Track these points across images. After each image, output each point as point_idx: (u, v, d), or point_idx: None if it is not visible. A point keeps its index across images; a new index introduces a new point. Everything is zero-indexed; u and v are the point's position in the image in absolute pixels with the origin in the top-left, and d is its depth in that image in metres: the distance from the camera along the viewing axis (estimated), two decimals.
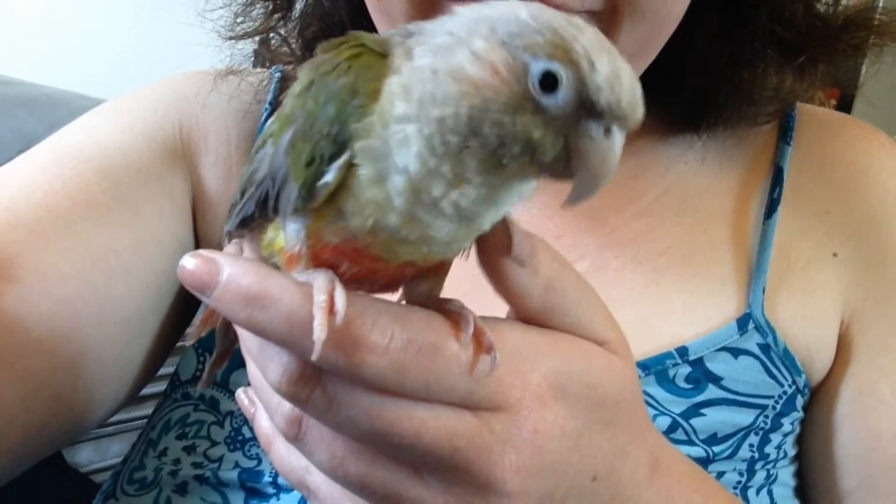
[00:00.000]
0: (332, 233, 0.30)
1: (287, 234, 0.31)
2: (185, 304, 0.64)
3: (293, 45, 0.66)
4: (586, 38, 0.28)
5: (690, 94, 0.59)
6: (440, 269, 0.33)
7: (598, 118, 0.28)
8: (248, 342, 0.31)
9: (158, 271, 0.59)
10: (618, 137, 0.29)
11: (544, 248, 0.32)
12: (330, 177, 0.29)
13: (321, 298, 0.28)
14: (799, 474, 0.59)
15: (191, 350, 0.60)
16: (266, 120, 0.65)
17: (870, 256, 0.58)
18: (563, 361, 0.32)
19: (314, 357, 0.27)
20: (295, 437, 0.31)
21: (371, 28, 0.53)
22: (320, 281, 0.28)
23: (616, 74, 0.28)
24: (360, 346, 0.28)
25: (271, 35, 0.66)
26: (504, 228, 0.31)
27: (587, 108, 0.28)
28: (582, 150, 0.28)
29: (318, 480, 0.34)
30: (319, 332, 0.27)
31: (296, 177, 0.30)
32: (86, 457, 0.92)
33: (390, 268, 0.31)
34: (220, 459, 0.53)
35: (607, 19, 0.47)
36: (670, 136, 0.63)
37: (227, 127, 0.65)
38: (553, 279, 0.32)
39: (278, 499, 0.50)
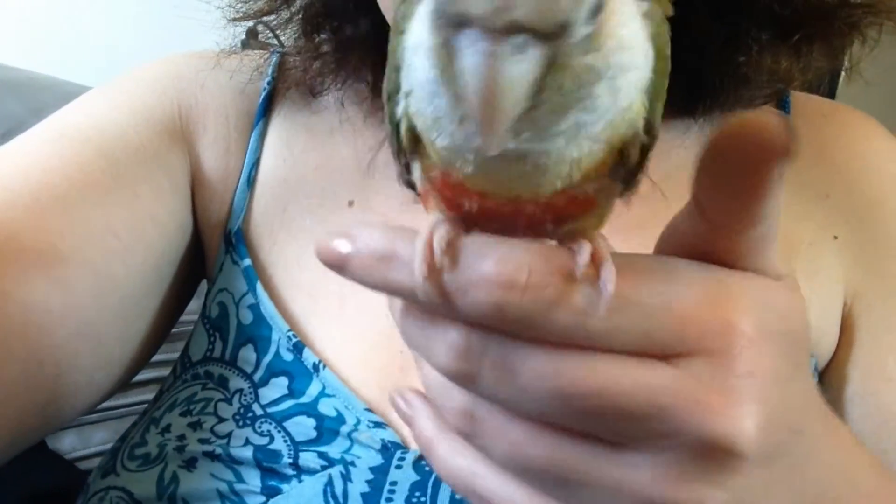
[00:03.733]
0: (430, 169, 0.28)
1: (416, 178, 0.30)
2: (183, 285, 0.64)
3: (282, 37, 0.65)
4: None
5: (685, 77, 0.58)
6: (580, 208, 0.29)
7: (455, 25, 0.22)
8: (411, 333, 0.28)
9: (157, 251, 0.59)
10: (471, 41, 0.21)
11: None
12: (399, 108, 0.27)
13: (425, 234, 0.26)
14: None
15: (201, 328, 0.59)
16: (265, 98, 0.65)
17: (870, 237, 0.59)
18: (760, 298, 0.28)
19: (418, 276, 0.25)
20: (469, 430, 0.29)
21: (378, 8, 0.53)
22: (426, 224, 0.26)
23: None
24: (484, 281, 0.25)
25: (259, 28, 0.65)
26: (784, 123, 0.24)
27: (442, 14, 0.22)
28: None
29: (491, 485, 0.30)
30: (419, 261, 0.25)
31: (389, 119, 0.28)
32: (69, 443, 0.90)
33: (503, 204, 0.27)
34: (229, 436, 0.51)
35: None
36: (666, 121, 0.62)
37: (226, 105, 0.65)
38: (780, 200, 0.27)
39: (300, 481, 0.49)
